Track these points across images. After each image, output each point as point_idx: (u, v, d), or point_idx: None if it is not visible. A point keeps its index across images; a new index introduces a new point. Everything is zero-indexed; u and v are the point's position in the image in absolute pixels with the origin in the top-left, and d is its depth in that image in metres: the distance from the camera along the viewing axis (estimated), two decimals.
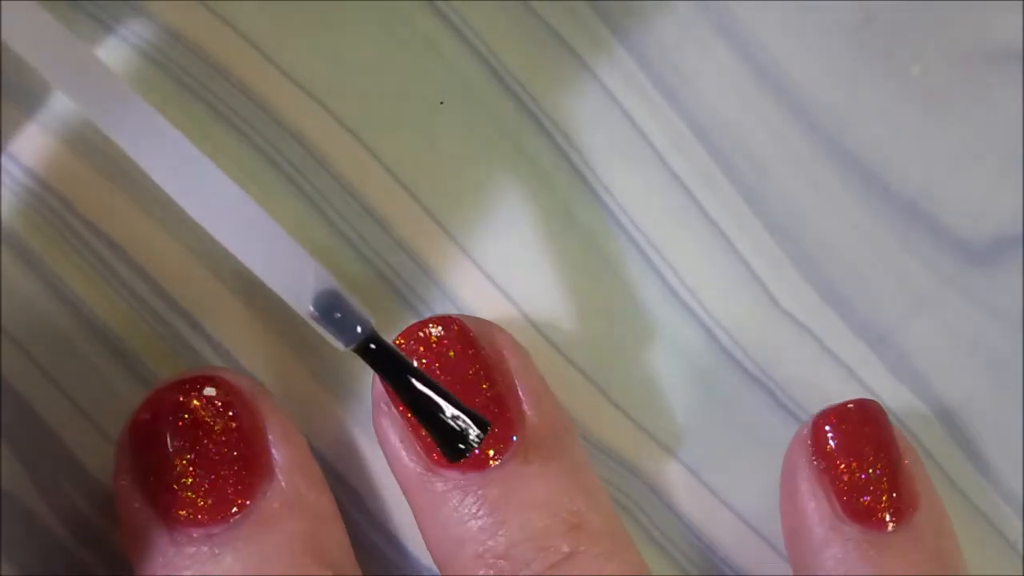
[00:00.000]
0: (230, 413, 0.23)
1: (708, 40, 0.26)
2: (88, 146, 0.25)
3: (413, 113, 0.26)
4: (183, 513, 0.22)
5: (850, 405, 0.25)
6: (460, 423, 0.21)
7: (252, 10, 0.25)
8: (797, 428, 0.26)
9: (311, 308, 0.21)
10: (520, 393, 0.24)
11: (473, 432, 0.21)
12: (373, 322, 0.21)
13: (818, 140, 0.26)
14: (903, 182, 0.27)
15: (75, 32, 0.25)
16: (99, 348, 0.25)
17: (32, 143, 0.25)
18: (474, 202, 0.26)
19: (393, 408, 0.23)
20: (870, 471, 0.24)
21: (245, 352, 0.25)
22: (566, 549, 0.23)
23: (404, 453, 0.24)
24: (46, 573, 0.25)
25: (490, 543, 0.23)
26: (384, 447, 0.24)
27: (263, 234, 0.20)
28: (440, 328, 0.23)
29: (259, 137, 0.25)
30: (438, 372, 0.23)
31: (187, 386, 0.23)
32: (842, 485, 0.24)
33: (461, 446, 0.21)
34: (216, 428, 0.23)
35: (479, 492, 0.23)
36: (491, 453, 0.23)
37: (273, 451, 0.23)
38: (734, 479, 0.27)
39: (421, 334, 0.23)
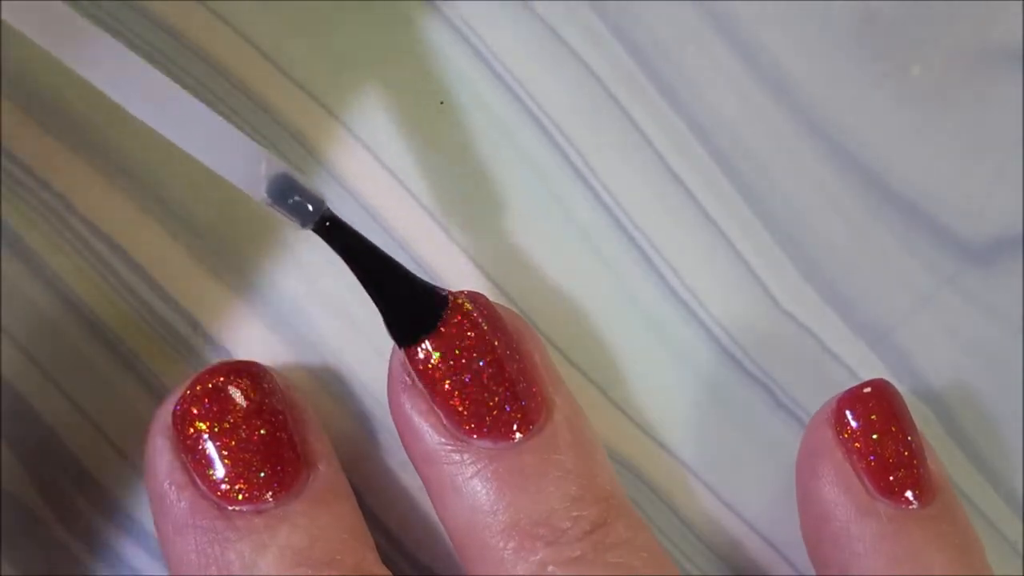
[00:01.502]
0: (276, 399, 0.23)
1: (708, 40, 0.26)
2: (88, 145, 0.25)
3: (413, 113, 0.26)
4: (239, 486, 0.23)
5: (867, 388, 0.25)
6: (424, 298, 0.22)
7: (252, 10, 0.25)
8: (797, 428, 0.26)
9: (265, 194, 0.21)
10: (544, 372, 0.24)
11: (437, 306, 0.22)
12: (327, 201, 0.21)
13: (818, 140, 0.26)
14: (903, 182, 0.27)
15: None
16: (99, 348, 0.25)
17: (32, 143, 0.25)
18: (474, 201, 0.26)
19: (418, 382, 0.23)
20: (899, 448, 0.24)
21: (244, 352, 0.25)
22: (599, 519, 0.23)
23: (427, 427, 0.23)
24: (46, 573, 0.25)
25: (528, 509, 0.23)
26: (402, 423, 0.24)
27: (212, 129, 0.21)
28: (470, 301, 0.23)
29: (259, 137, 0.25)
30: (471, 341, 0.23)
31: (232, 371, 0.23)
32: (872, 463, 0.24)
33: (421, 323, 0.22)
34: (265, 411, 0.23)
35: (514, 461, 0.23)
36: (523, 425, 0.23)
37: (312, 438, 0.24)
38: (734, 479, 0.27)
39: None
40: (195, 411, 0.23)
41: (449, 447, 0.23)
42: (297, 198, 0.21)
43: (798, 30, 0.26)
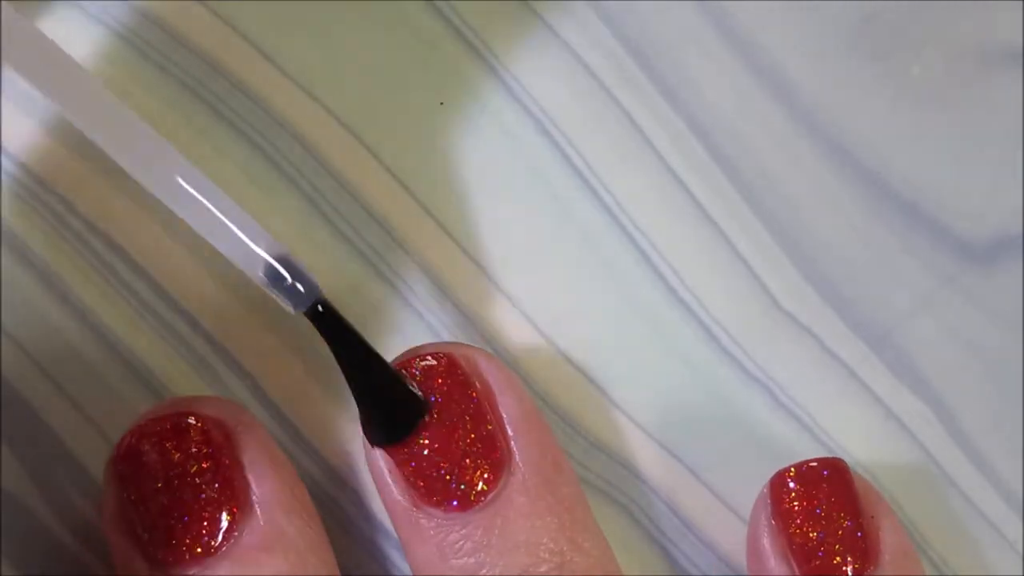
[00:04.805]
0: (203, 450, 0.23)
1: (708, 40, 0.26)
2: (88, 146, 0.25)
3: (413, 113, 0.26)
4: (160, 554, 0.22)
5: (812, 463, 0.25)
6: (400, 405, 0.22)
7: (252, 10, 0.25)
8: (797, 428, 0.26)
9: (261, 273, 0.21)
10: (508, 428, 0.24)
11: (412, 416, 0.22)
12: (321, 288, 0.21)
13: (818, 140, 0.26)
14: (903, 182, 0.27)
15: (73, 32, 0.25)
16: (99, 348, 0.25)
17: (32, 143, 0.25)
18: (474, 202, 0.26)
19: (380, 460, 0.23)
20: (818, 533, 0.24)
21: (244, 351, 0.25)
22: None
23: (393, 486, 0.23)
24: (46, 573, 0.25)
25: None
26: (375, 478, 0.24)
27: (214, 204, 0.21)
28: (431, 360, 0.23)
29: (259, 137, 0.25)
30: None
31: (159, 425, 0.23)
32: (796, 546, 0.24)
33: (393, 430, 0.22)
34: (189, 467, 0.22)
35: (461, 532, 0.23)
36: (476, 492, 0.23)
37: (252, 486, 0.23)
38: (734, 479, 0.27)
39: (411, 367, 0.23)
40: (122, 475, 0.22)
41: (409, 509, 0.23)
42: (293, 281, 0.21)
43: (798, 30, 0.26)
